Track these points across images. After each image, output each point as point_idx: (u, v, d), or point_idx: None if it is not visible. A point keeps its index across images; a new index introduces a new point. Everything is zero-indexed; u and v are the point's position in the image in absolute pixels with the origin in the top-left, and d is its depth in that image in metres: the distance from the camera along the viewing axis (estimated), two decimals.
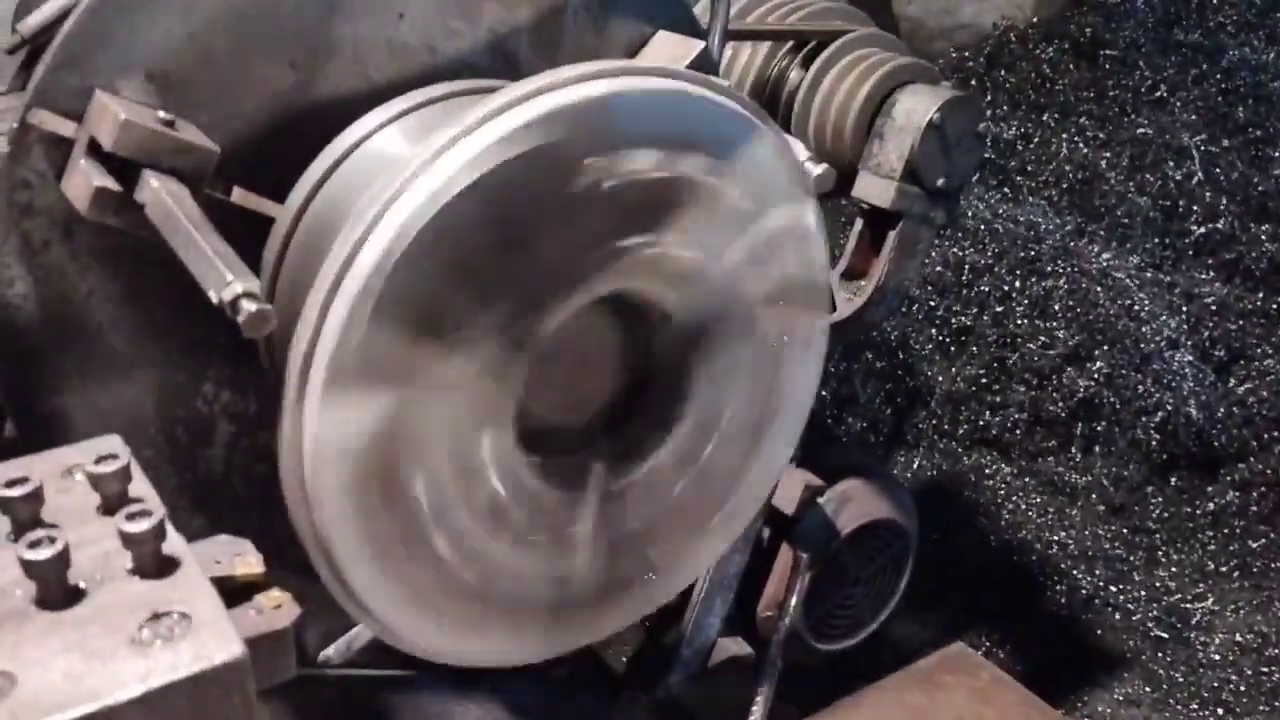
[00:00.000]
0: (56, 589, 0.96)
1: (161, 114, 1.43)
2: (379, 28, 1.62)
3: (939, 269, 4.15)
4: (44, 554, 0.95)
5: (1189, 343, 4.15)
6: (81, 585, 0.98)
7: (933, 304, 4.09)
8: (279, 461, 1.35)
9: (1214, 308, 4.25)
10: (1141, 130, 4.62)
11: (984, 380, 4.00)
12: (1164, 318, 4.15)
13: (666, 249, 1.49)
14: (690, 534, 1.72)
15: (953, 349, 4.04)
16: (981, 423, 3.96)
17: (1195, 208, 4.47)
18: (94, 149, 1.42)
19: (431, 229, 1.29)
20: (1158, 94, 4.75)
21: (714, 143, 1.48)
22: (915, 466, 3.89)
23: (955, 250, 4.20)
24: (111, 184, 1.39)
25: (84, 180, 1.40)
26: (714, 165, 1.48)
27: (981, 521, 3.74)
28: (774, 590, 2.48)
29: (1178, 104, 4.73)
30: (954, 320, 4.08)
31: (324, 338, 1.29)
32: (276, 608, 1.10)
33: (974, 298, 4.13)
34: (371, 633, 1.55)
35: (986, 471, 3.89)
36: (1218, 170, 4.55)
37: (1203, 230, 4.43)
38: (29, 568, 0.95)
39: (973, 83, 4.71)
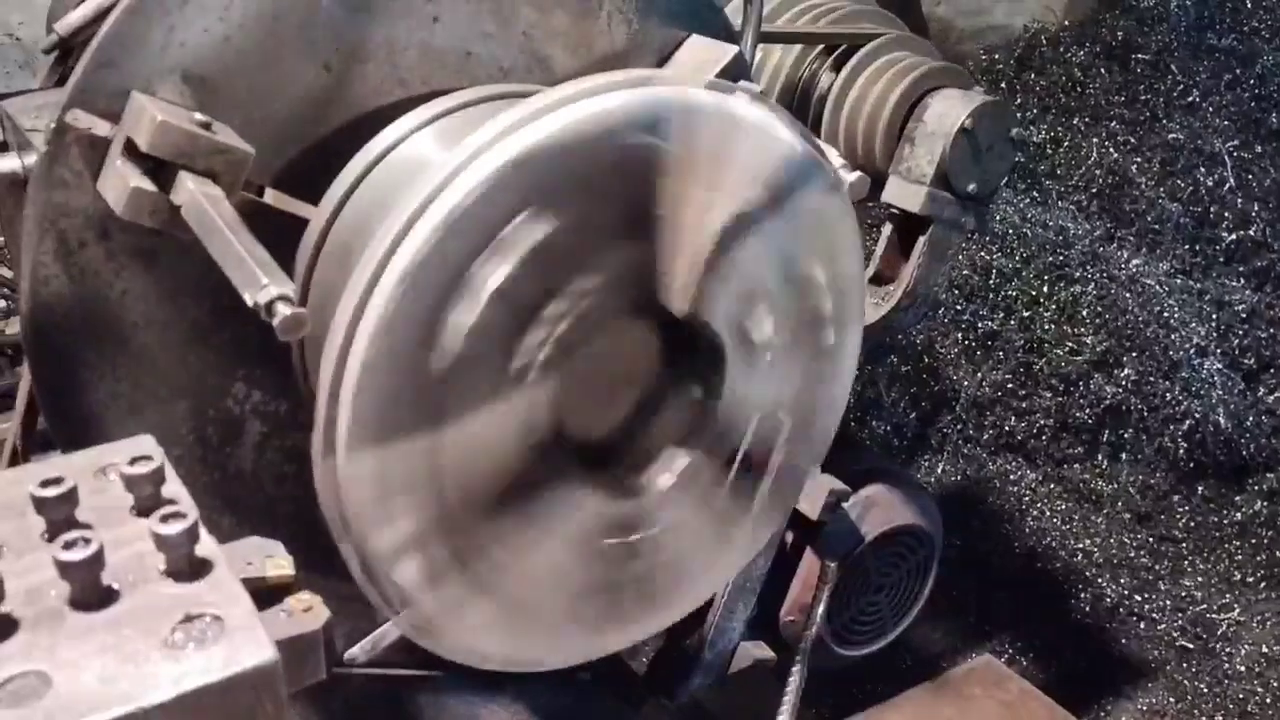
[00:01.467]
0: (91, 590, 0.96)
1: (198, 115, 1.44)
2: (413, 31, 1.62)
3: (966, 273, 4.13)
4: (79, 555, 0.95)
5: (1218, 350, 4.11)
6: (115, 586, 0.98)
7: (959, 308, 4.07)
8: (318, 499, 1.36)
9: (1244, 315, 4.21)
10: (1173, 135, 4.58)
11: (1010, 385, 3.97)
12: (1193, 325, 4.12)
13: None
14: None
15: (979, 354, 4.02)
16: (1007, 428, 3.93)
17: (1226, 214, 4.43)
18: (130, 150, 1.42)
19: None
20: (1190, 99, 4.71)
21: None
22: (940, 472, 3.86)
23: (983, 254, 4.17)
24: (147, 185, 1.40)
25: (120, 181, 1.41)
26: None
27: (1006, 528, 3.72)
28: (797, 594, 2.47)
29: (1210, 109, 4.69)
30: (981, 325, 4.05)
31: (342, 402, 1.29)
32: (307, 610, 1.10)
33: (1001, 302, 4.10)
34: (399, 632, 1.55)
35: (1011, 478, 3.86)
36: (1250, 177, 4.51)
37: (1234, 237, 4.40)
38: (64, 569, 0.96)
39: (1002, 85, 4.67)
